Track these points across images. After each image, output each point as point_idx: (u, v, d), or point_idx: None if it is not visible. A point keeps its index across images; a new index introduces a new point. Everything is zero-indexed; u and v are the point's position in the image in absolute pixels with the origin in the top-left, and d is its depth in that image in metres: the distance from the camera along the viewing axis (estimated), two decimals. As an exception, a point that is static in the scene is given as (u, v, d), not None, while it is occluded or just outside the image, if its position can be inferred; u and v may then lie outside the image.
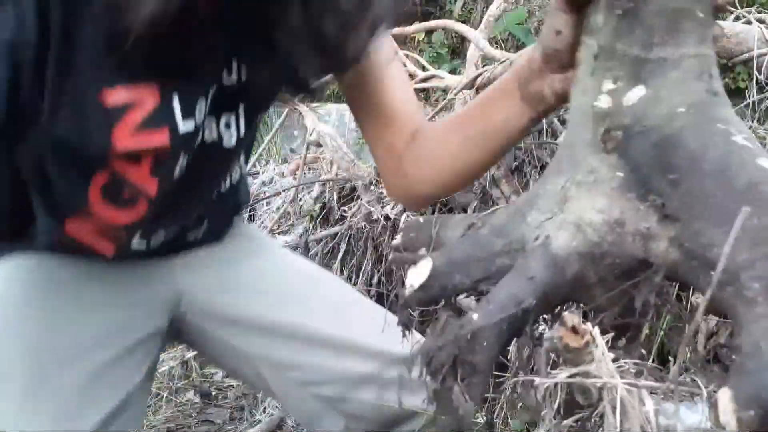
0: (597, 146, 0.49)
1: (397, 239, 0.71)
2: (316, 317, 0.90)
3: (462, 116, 0.77)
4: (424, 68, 2.34)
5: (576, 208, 0.49)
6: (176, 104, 0.66)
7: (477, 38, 1.93)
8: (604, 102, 0.48)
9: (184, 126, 0.67)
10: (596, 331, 0.38)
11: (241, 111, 0.77)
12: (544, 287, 0.48)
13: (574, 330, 0.38)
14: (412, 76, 2.34)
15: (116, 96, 0.62)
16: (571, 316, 0.38)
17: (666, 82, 0.45)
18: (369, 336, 0.86)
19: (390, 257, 0.67)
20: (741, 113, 1.36)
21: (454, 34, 3.62)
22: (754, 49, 1.08)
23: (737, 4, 1.28)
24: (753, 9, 1.26)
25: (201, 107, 0.69)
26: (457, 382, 0.44)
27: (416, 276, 0.55)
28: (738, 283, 0.38)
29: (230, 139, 0.77)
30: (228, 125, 0.76)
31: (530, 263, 0.49)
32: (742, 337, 0.37)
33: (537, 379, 0.39)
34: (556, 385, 0.39)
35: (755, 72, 1.09)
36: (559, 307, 0.53)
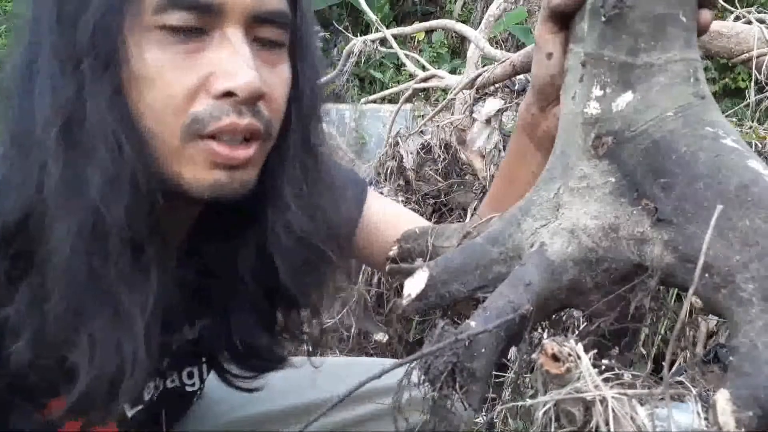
0: (588, 152, 0.49)
1: (394, 250, 0.71)
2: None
3: (493, 196, 0.74)
4: (424, 68, 2.34)
5: (570, 214, 0.49)
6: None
7: (477, 38, 1.94)
8: (593, 108, 0.48)
9: (133, 411, 0.67)
10: (579, 347, 0.38)
11: (203, 363, 0.77)
12: (541, 293, 0.48)
13: (555, 357, 0.38)
14: (412, 76, 2.34)
15: (58, 404, 0.59)
16: (551, 344, 0.38)
17: (653, 87, 0.46)
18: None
19: (387, 268, 0.67)
20: (741, 113, 1.36)
21: (454, 34, 3.64)
22: (753, 48, 1.08)
23: (737, 4, 1.29)
24: (753, 9, 1.26)
25: (151, 385, 0.69)
26: (455, 389, 0.44)
27: (413, 286, 0.55)
28: (733, 285, 0.38)
29: (193, 386, 0.76)
30: (191, 375, 0.75)
31: (526, 270, 0.49)
32: (738, 338, 0.37)
33: (528, 402, 0.39)
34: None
35: (755, 72, 1.08)
36: (556, 314, 0.53)
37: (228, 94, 0.53)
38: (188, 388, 0.76)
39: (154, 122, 0.54)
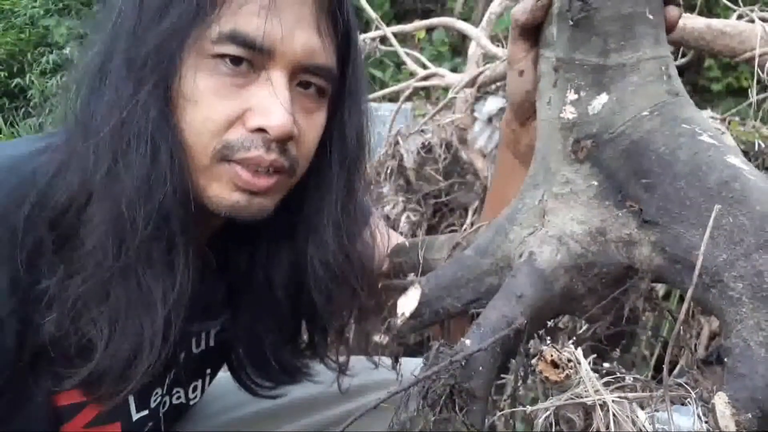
0: (569, 157, 0.49)
1: (386, 266, 0.70)
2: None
3: (486, 216, 0.73)
4: (424, 66, 2.32)
5: (556, 220, 0.49)
6: (131, 401, 0.68)
7: (478, 36, 1.92)
8: (569, 113, 0.48)
9: (138, 415, 0.69)
10: (579, 353, 0.38)
11: (207, 375, 0.80)
12: (534, 304, 0.47)
13: (554, 364, 0.38)
14: (412, 74, 2.33)
15: (69, 396, 0.63)
16: (550, 351, 0.38)
17: (627, 87, 0.45)
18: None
19: (379, 285, 0.66)
20: (744, 112, 1.35)
21: (455, 32, 3.61)
22: (756, 47, 1.07)
23: (740, 3, 1.27)
24: (756, 7, 1.25)
25: (159, 392, 0.71)
26: (455, 411, 0.44)
27: (407, 304, 0.54)
28: (721, 285, 0.38)
29: (195, 399, 0.79)
30: (195, 388, 0.79)
31: (517, 281, 0.48)
32: (731, 338, 0.36)
33: (528, 408, 0.39)
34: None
35: (758, 71, 1.07)
36: (552, 321, 0.53)
37: (261, 130, 0.58)
38: (191, 402, 0.79)
39: (190, 139, 0.58)
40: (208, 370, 0.79)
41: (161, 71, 0.57)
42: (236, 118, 0.58)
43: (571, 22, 0.46)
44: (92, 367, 0.57)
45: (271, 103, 0.57)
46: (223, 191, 0.59)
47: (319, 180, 0.66)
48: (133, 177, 0.56)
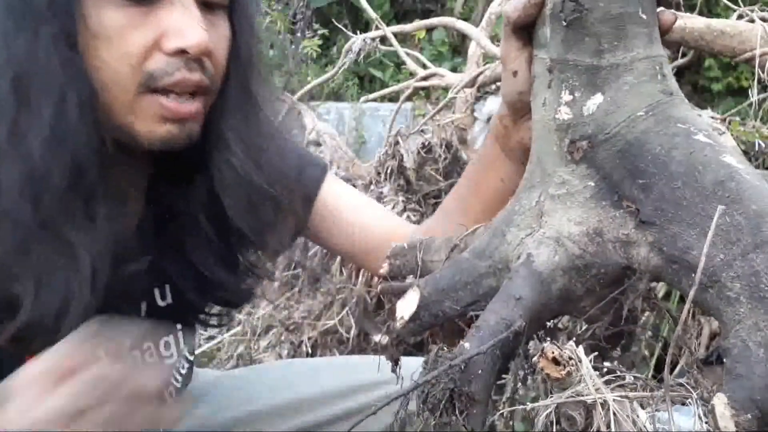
0: (565, 158, 0.49)
1: (384, 268, 0.70)
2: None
3: (455, 198, 0.74)
4: (424, 66, 2.31)
5: (553, 222, 0.49)
6: None
7: (478, 36, 1.91)
8: (564, 113, 0.48)
9: None
10: (580, 350, 0.38)
11: (179, 332, 0.78)
12: (532, 306, 0.47)
13: (555, 361, 0.38)
14: (412, 74, 2.32)
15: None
16: (551, 348, 0.38)
17: (622, 88, 0.45)
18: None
19: (379, 288, 0.66)
20: (744, 112, 1.35)
21: (455, 32, 3.60)
22: (756, 47, 1.07)
23: (740, 2, 1.27)
24: (756, 7, 1.24)
25: None
26: (456, 415, 0.44)
27: (405, 307, 0.54)
28: (719, 285, 0.38)
29: (171, 358, 0.78)
30: (167, 346, 0.77)
31: (515, 284, 0.48)
32: (729, 338, 0.36)
33: (529, 405, 0.39)
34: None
35: (758, 70, 1.07)
36: (551, 322, 0.53)
37: (180, 51, 0.58)
38: (167, 360, 0.77)
39: (109, 77, 0.58)
40: (179, 326, 0.78)
41: (58, 18, 0.55)
42: (152, 46, 0.58)
43: (564, 23, 0.46)
44: (22, 321, 0.56)
45: (185, 23, 0.57)
46: (151, 125, 0.59)
47: (222, 98, 0.65)
48: (41, 131, 0.55)
